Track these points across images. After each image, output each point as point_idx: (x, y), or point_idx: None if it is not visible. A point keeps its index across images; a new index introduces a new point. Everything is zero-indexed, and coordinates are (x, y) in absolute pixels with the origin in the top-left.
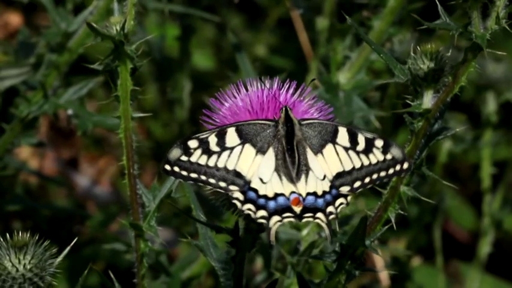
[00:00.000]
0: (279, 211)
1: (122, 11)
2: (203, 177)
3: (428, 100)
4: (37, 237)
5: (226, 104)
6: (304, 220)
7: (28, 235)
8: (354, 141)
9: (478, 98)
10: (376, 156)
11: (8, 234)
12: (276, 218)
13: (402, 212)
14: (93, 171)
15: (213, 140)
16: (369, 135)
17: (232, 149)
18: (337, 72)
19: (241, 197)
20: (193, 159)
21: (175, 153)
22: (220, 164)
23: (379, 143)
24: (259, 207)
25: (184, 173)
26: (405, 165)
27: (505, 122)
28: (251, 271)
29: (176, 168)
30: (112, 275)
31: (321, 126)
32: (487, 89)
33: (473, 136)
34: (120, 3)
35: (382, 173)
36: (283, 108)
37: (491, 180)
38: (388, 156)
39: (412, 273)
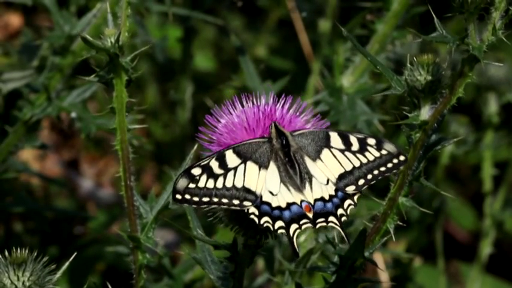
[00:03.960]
0: (296, 219)
1: (116, 22)
2: (215, 199)
3: (425, 111)
4: (35, 253)
5: (222, 121)
6: (318, 226)
7: (27, 251)
8: (347, 143)
9: (479, 99)
10: (372, 153)
11: (9, 243)
12: (294, 226)
13: (401, 224)
14: (94, 172)
15: (214, 164)
16: (360, 136)
17: (235, 168)
18: (340, 75)
19: (256, 211)
20: (201, 185)
21: (182, 182)
22: (229, 184)
23: (371, 141)
24: (275, 218)
25: (196, 198)
26: (401, 158)
27: (506, 123)
28: (252, 272)
29: (187, 196)
30: (111, 282)
31: (312, 134)
32: (488, 90)
33: (475, 138)
34: (116, 6)
35: (382, 168)
36: (272, 124)
37: (492, 181)
38: (383, 152)
39: (413, 275)
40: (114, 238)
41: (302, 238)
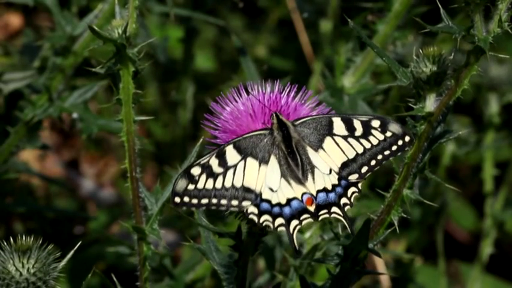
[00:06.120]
0: (296, 215)
1: (123, 14)
2: (214, 201)
3: (430, 103)
4: (40, 240)
5: (228, 108)
6: (320, 218)
7: (32, 239)
8: (350, 128)
9: (480, 99)
10: (376, 136)
11: (11, 238)
12: (294, 223)
13: (405, 216)
14: (94, 172)
15: (214, 162)
16: (364, 118)
17: (235, 166)
18: (341, 76)
19: (255, 210)
20: (200, 185)
21: (181, 184)
22: (228, 184)
23: (375, 123)
24: (275, 216)
25: (194, 201)
26: (407, 139)
27: (507, 123)
28: (253, 272)
29: (186, 199)
30: (114, 277)
31: (315, 121)
32: (489, 91)
33: (477, 139)
34: (122, 7)
35: (386, 152)
36: (273, 114)
37: (493, 181)
38: (388, 134)
39: (414, 275)
40: (115, 238)
41: (307, 234)
